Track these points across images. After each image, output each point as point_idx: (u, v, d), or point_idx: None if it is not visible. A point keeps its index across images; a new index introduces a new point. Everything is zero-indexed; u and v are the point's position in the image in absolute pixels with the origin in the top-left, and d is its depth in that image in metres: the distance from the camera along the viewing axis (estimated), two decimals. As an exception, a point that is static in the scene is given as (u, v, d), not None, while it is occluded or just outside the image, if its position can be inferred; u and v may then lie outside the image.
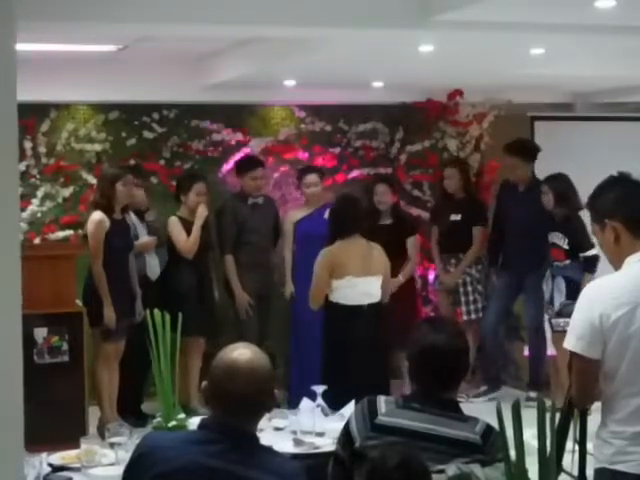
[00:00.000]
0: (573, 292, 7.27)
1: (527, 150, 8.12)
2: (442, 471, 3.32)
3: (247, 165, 8.04)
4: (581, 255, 7.38)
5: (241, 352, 2.97)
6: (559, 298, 7.47)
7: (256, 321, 7.84)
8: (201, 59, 7.83)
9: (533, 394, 7.70)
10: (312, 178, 8.04)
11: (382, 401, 3.55)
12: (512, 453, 3.10)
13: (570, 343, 3.36)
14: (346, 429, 3.57)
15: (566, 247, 7.49)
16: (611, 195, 3.46)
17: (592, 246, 7.11)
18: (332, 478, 3.61)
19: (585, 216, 5.56)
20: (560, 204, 7.49)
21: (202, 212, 7.54)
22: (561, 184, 7.50)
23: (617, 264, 3.43)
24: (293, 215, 8.14)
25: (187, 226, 7.52)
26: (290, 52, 6.49)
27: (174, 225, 7.54)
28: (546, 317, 7.56)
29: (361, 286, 6.25)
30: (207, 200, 7.67)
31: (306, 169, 8.24)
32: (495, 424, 3.24)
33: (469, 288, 8.25)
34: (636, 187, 3.46)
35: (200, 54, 7.67)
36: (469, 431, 3.44)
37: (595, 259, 7.21)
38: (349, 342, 6.21)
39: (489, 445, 3.39)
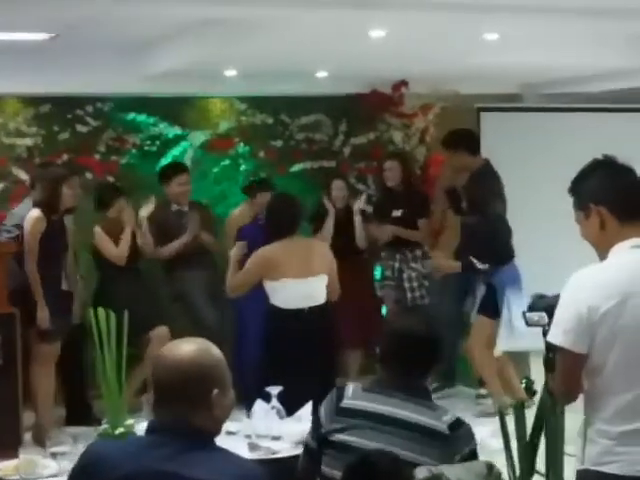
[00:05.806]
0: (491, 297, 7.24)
1: (449, 140, 7.89)
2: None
3: (172, 171, 7.84)
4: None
5: (172, 346, 2.81)
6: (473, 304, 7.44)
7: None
8: (137, 49, 7.50)
9: (483, 392, 7.79)
10: (266, 197, 7.33)
11: (351, 387, 3.59)
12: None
13: (557, 338, 3.14)
14: (316, 417, 3.62)
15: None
16: (595, 179, 3.29)
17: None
18: (302, 468, 3.65)
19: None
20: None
21: (129, 219, 7.35)
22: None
23: (602, 252, 3.23)
24: (236, 219, 7.83)
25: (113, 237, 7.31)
26: (231, 39, 6.23)
27: (100, 235, 7.31)
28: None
29: (301, 289, 5.90)
30: (130, 212, 7.41)
31: (259, 185, 7.87)
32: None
33: (415, 284, 8.07)
34: (621, 171, 3.30)
35: (136, 44, 7.35)
36: (436, 419, 3.44)
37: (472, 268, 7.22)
38: (287, 346, 5.88)
39: (456, 437, 3.40)
